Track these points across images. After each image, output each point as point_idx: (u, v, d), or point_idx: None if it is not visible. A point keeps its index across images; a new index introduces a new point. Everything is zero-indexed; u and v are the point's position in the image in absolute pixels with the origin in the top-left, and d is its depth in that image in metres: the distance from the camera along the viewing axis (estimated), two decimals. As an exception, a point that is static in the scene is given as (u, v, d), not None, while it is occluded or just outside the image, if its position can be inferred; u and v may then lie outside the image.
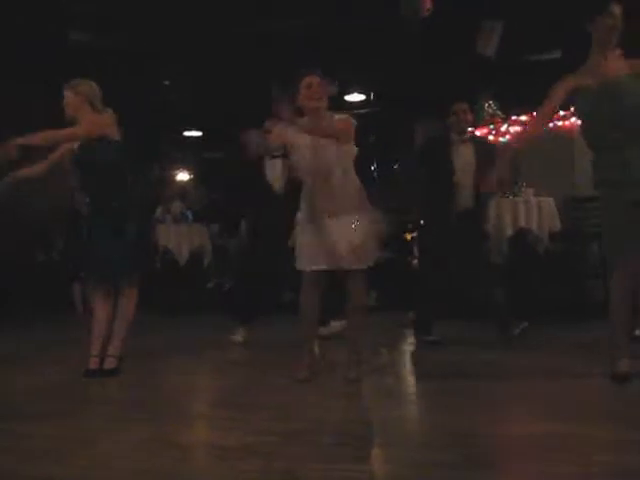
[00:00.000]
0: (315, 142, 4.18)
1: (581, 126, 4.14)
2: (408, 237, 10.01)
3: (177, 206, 10.02)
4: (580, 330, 6.20)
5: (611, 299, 4.04)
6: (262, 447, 2.95)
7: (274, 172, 6.03)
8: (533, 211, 6.81)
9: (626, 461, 2.64)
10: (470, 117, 5.73)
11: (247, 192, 6.50)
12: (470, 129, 6.12)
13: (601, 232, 4.15)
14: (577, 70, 4.10)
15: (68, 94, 4.71)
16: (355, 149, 4.26)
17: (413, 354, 5.55)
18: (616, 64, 4.00)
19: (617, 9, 3.96)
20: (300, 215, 4.37)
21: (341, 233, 4.15)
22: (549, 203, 6.95)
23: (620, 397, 3.75)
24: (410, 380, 4.65)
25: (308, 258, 4.25)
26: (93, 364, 4.68)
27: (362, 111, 10.97)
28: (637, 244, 3.92)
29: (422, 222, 6.57)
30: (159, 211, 9.87)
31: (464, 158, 5.65)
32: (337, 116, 4.24)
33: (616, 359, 4.02)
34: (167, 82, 10.61)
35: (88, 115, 4.66)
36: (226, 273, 9.83)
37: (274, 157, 5.91)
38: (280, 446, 2.96)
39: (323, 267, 4.23)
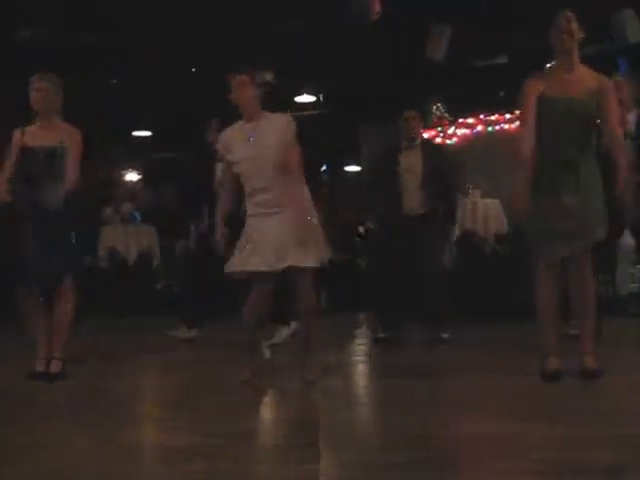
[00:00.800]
0: (253, 143, 4.19)
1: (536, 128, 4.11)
2: (358, 239, 10.07)
3: (126, 207, 9.93)
4: (529, 330, 6.28)
5: (537, 299, 4.09)
6: (208, 448, 2.94)
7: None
8: (479, 213, 6.91)
9: (573, 457, 2.68)
10: (419, 124, 5.85)
11: (201, 192, 6.48)
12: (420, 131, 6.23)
13: (526, 233, 4.22)
14: (538, 75, 4.08)
15: (47, 86, 4.62)
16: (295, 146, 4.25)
17: (364, 355, 5.58)
18: (578, 76, 4.00)
19: (566, 17, 3.94)
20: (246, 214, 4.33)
21: (286, 232, 4.12)
22: (495, 205, 7.06)
23: (568, 394, 3.81)
24: (361, 381, 4.68)
25: (256, 259, 4.18)
26: (39, 366, 4.60)
27: (311, 113, 11.00)
28: (558, 245, 3.98)
29: (371, 225, 6.64)
30: (108, 212, 9.76)
31: (412, 163, 5.76)
32: (274, 115, 4.24)
33: (545, 357, 4.08)
34: (115, 81, 10.49)
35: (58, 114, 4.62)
36: (175, 274, 9.76)
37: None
38: (226, 447, 2.95)
39: (271, 268, 4.17)
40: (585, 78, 4.00)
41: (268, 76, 4.29)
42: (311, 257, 4.17)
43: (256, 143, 4.16)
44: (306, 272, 4.20)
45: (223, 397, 3.97)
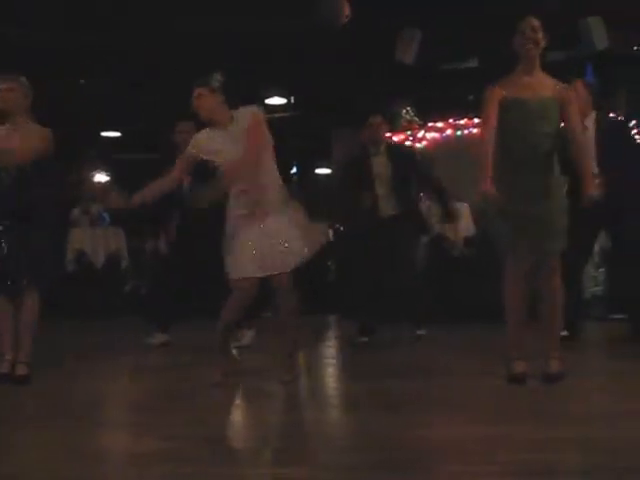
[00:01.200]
0: (231, 149, 4.18)
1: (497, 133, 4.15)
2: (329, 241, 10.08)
3: (95, 208, 9.84)
4: (498, 332, 6.34)
5: (505, 300, 4.12)
6: (173, 452, 2.92)
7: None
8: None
9: (541, 459, 2.71)
10: (384, 129, 5.92)
11: (173, 195, 6.47)
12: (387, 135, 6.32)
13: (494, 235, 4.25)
14: (500, 81, 4.09)
15: (16, 87, 4.57)
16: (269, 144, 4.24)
17: (334, 357, 5.59)
18: (539, 80, 4.04)
19: (532, 25, 3.98)
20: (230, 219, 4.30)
21: (270, 235, 4.12)
22: (464, 208, 7.12)
23: (535, 397, 3.86)
24: (330, 382, 4.69)
25: (244, 264, 4.14)
26: (4, 367, 4.55)
27: (282, 115, 11.00)
28: (525, 247, 4.01)
29: (342, 228, 6.68)
30: (76, 213, 9.67)
31: (380, 169, 5.85)
32: (242, 109, 4.23)
33: (511, 361, 4.11)
34: (83, 81, 10.40)
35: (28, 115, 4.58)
36: (143, 276, 9.71)
37: None
38: (191, 450, 2.94)
39: (259, 274, 4.14)
40: (547, 83, 4.05)
41: (220, 77, 4.26)
42: (294, 258, 4.15)
43: (233, 148, 4.15)
44: (287, 274, 4.19)
45: (193, 400, 3.96)
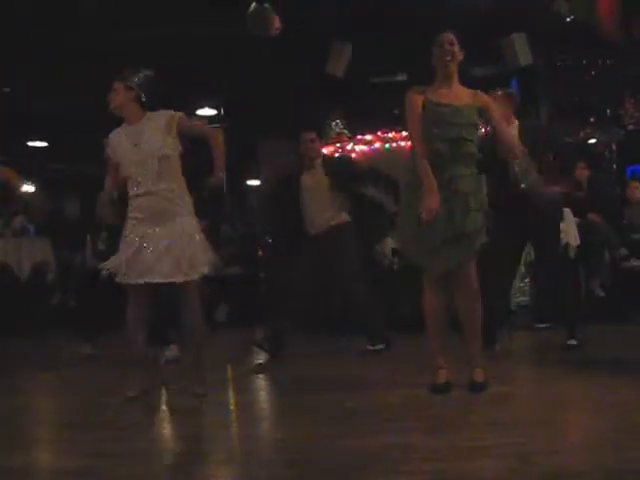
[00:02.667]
0: (137, 148, 4.16)
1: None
2: (260, 253, 10.06)
3: (18, 220, 9.59)
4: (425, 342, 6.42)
5: (425, 312, 4.17)
6: (94, 469, 2.88)
7: None
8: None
9: (460, 467, 2.75)
10: (319, 144, 5.96)
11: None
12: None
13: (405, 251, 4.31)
14: (419, 88, 4.14)
15: None
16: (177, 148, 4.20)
17: (260, 370, 5.57)
18: (457, 90, 4.12)
19: (449, 39, 4.07)
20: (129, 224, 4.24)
21: (164, 243, 4.06)
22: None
23: (456, 406, 3.91)
24: (255, 396, 4.67)
25: (132, 270, 4.10)
26: None
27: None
28: (439, 258, 4.05)
29: (270, 240, 6.68)
30: (-1, 225, 9.43)
31: (317, 182, 5.86)
32: (161, 111, 4.22)
33: (435, 371, 4.16)
34: (8, 90, 10.17)
35: None
36: (71, 288, 9.50)
37: None
38: (113, 467, 2.90)
39: (147, 280, 4.09)
40: (464, 94, 4.13)
41: (142, 77, 4.26)
42: (193, 269, 4.09)
43: (139, 148, 4.14)
44: (189, 285, 4.13)
45: (117, 416, 3.90)
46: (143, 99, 4.24)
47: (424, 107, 4.05)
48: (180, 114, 4.23)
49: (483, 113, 4.11)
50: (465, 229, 4.02)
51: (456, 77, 4.14)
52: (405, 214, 4.15)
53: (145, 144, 4.14)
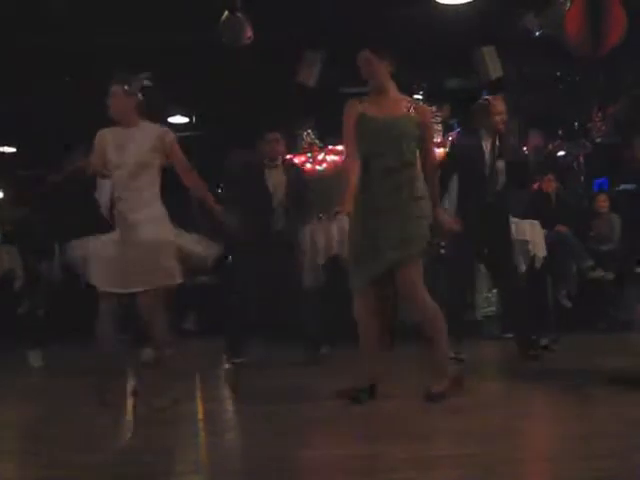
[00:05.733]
0: (122, 151, 4.14)
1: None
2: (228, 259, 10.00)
3: (-18, 228, 9.47)
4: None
5: (358, 327, 4.15)
6: (58, 480, 2.84)
7: (103, 193, 5.92)
8: (345, 236, 6.98)
9: (422, 477, 2.76)
10: (281, 146, 5.96)
11: (75, 213, 6.34)
12: (288, 156, 6.38)
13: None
14: (355, 99, 4.15)
15: None
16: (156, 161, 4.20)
17: (227, 379, 5.54)
18: (394, 99, 4.13)
19: (364, 60, 4.09)
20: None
21: (132, 251, 4.04)
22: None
23: (423, 416, 3.90)
24: (223, 406, 4.64)
25: (103, 276, 4.08)
26: None
27: (184, 134, 10.92)
28: (365, 268, 4.06)
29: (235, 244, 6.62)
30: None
31: (274, 182, 5.89)
32: (150, 126, 4.23)
33: (357, 376, 4.14)
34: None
35: None
36: (38, 297, 9.38)
37: (104, 177, 5.79)
38: (78, 478, 2.86)
39: (116, 290, 4.07)
40: (400, 103, 4.14)
41: (141, 82, 4.25)
42: (157, 278, 4.06)
43: (121, 151, 4.14)
44: (149, 294, 4.07)
45: (75, 426, 3.85)
46: (142, 107, 4.23)
47: (357, 120, 4.08)
48: (173, 136, 4.24)
49: (419, 127, 4.10)
50: (396, 233, 4.00)
51: (390, 86, 4.14)
52: (351, 225, 4.22)
53: (127, 149, 4.13)
